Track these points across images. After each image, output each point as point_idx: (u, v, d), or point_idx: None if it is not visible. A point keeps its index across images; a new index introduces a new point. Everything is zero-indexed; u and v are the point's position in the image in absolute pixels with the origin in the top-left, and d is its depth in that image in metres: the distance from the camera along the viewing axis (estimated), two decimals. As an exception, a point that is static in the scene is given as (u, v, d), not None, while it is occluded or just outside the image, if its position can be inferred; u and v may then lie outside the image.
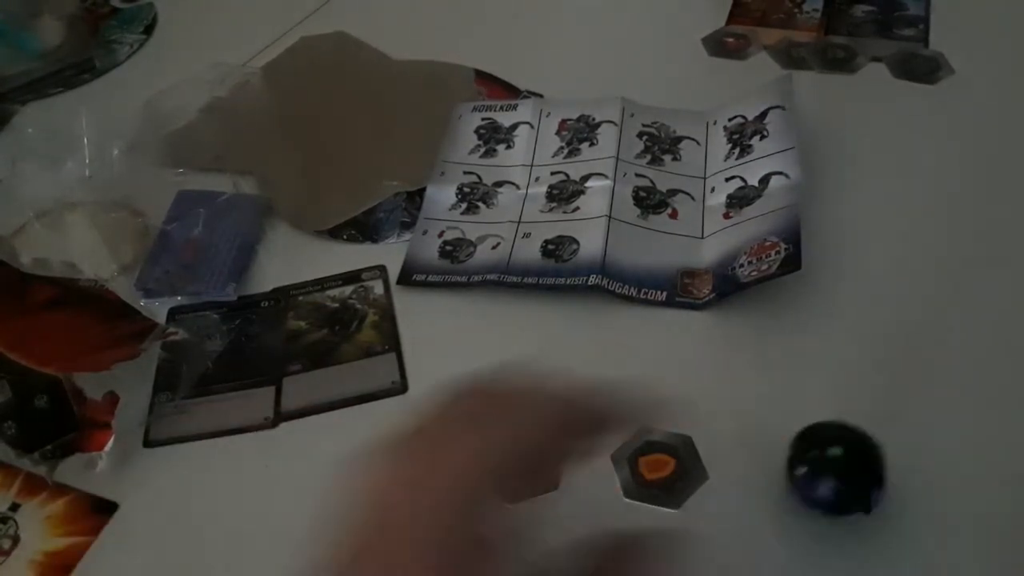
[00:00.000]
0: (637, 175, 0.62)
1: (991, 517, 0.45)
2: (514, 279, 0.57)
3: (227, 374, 0.55)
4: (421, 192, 0.64)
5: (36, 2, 0.81)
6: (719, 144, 0.64)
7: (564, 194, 0.62)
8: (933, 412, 0.49)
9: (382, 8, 0.84)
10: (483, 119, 0.68)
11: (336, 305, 0.58)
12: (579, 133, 0.66)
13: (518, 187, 0.64)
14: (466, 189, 0.64)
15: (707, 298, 0.55)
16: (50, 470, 0.50)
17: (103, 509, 0.49)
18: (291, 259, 0.62)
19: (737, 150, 0.62)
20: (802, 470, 0.44)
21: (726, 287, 0.54)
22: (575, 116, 0.67)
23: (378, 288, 0.59)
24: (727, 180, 0.61)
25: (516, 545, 0.27)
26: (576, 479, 0.47)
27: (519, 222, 0.61)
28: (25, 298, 0.52)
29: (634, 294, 0.56)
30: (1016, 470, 0.46)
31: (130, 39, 0.85)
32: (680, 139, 0.65)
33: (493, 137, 0.67)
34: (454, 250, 0.60)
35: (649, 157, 0.64)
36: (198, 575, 0.47)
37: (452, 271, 0.59)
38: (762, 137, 0.61)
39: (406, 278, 0.59)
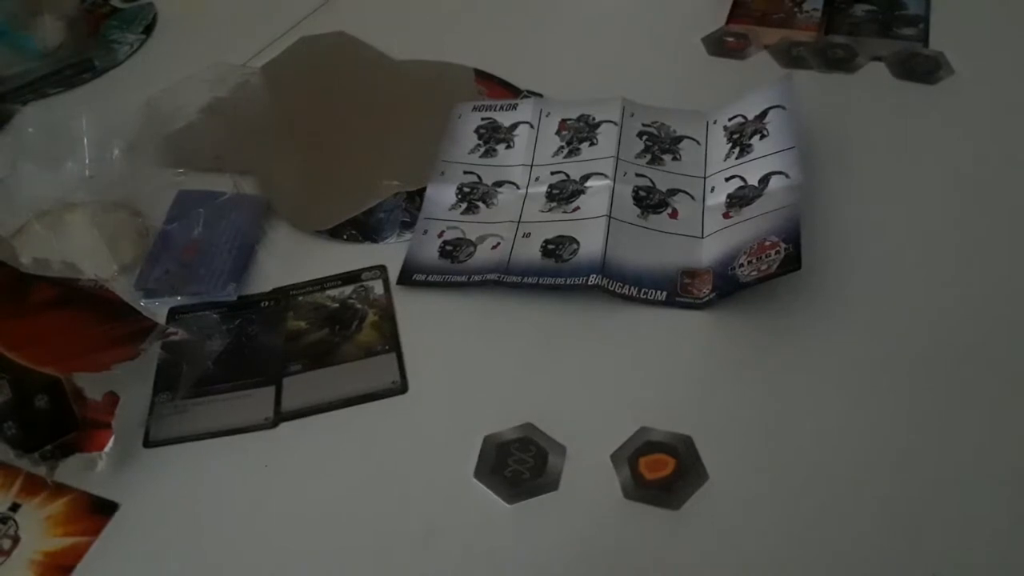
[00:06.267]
0: (637, 175, 0.62)
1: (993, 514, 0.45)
2: (514, 279, 0.57)
3: (227, 374, 0.55)
4: (421, 192, 0.64)
5: (36, 2, 0.81)
6: (719, 144, 0.64)
7: (564, 194, 0.62)
8: (932, 409, 0.49)
9: (382, 8, 0.84)
10: (483, 119, 0.68)
11: (336, 305, 0.58)
12: (579, 133, 0.65)
13: (518, 187, 0.64)
14: (466, 189, 0.64)
15: (707, 298, 0.55)
16: (50, 470, 0.50)
17: (103, 509, 0.49)
18: (291, 259, 0.62)
19: (737, 150, 0.62)
20: None
21: (726, 287, 0.54)
22: (575, 116, 0.67)
23: (378, 288, 0.59)
24: (727, 180, 0.61)
25: None
26: (576, 479, 0.48)
27: (519, 222, 0.61)
28: (25, 298, 0.52)
29: (634, 294, 0.56)
30: (1018, 467, 0.46)
31: (130, 39, 0.85)
32: (680, 139, 0.65)
33: (493, 137, 0.67)
34: (454, 250, 0.60)
35: (649, 157, 0.64)
36: (198, 575, 0.47)
37: (452, 271, 0.59)
38: (762, 137, 0.61)
39: (406, 278, 0.59)
